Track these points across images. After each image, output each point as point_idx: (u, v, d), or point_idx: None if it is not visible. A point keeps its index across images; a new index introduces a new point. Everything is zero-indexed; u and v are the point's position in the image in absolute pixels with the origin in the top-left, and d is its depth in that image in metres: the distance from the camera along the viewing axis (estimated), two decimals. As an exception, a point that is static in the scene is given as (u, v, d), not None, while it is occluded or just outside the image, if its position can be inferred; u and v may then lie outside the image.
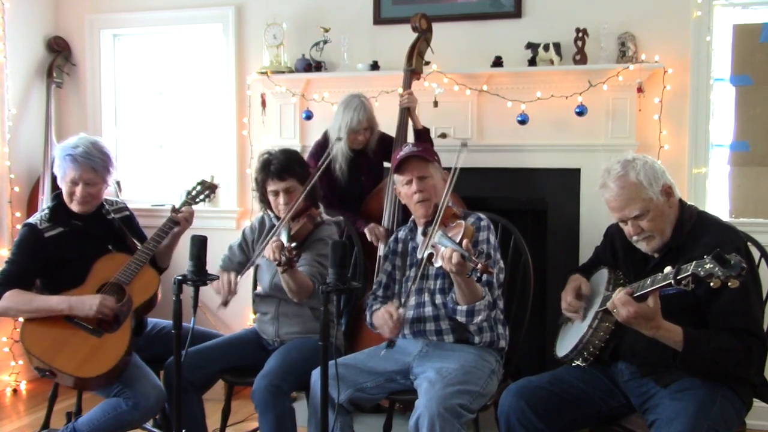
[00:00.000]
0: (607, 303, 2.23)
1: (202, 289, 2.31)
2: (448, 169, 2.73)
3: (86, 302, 2.65)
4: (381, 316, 2.49)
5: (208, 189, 3.06)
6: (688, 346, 2.04)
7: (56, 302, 2.66)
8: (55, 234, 2.79)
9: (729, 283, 1.80)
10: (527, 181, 3.77)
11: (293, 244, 2.54)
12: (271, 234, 2.73)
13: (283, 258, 2.50)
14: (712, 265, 1.81)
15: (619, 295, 2.01)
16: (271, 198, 2.86)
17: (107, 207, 2.98)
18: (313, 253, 2.81)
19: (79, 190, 2.80)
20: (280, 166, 2.81)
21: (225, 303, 2.70)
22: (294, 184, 2.81)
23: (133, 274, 2.77)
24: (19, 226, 3.99)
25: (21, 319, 3.95)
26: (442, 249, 2.26)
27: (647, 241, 2.24)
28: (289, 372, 2.62)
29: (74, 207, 2.83)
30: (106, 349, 2.62)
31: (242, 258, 2.99)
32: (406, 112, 3.46)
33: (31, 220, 2.85)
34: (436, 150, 3.34)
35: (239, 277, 2.71)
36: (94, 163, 2.80)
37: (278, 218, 2.85)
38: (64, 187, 2.83)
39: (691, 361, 2.07)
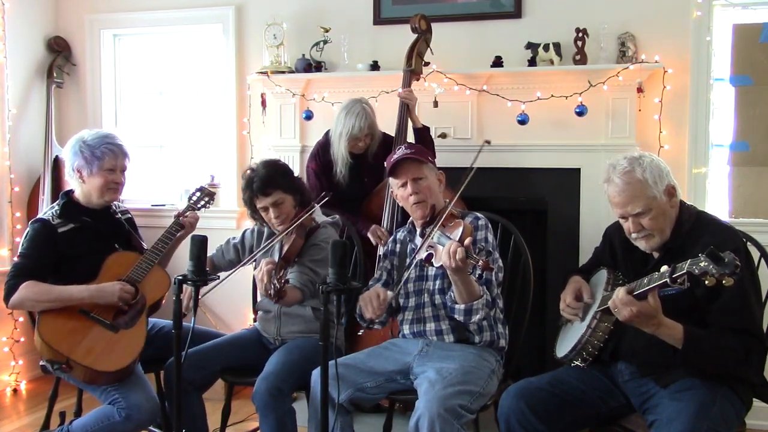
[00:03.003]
0: (607, 302, 2.24)
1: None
2: (446, 170, 2.73)
3: (107, 290, 2.68)
4: (367, 296, 2.45)
5: (207, 196, 3.09)
6: (689, 343, 2.04)
7: (77, 291, 2.67)
8: (67, 230, 2.81)
9: (724, 281, 1.80)
10: (527, 181, 3.77)
11: (282, 275, 2.51)
12: (262, 247, 2.71)
13: (272, 290, 2.47)
14: (706, 263, 1.81)
15: (620, 294, 2.01)
16: (262, 213, 2.85)
17: (114, 207, 3.01)
18: (306, 258, 2.80)
19: (118, 177, 2.87)
20: (262, 183, 2.78)
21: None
22: (281, 196, 2.79)
23: (145, 272, 2.79)
24: (19, 226, 4.02)
25: (21, 318, 3.95)
26: (442, 248, 2.26)
27: (646, 239, 2.24)
28: (289, 373, 2.62)
29: (107, 197, 2.87)
30: (124, 344, 2.64)
31: (234, 257, 3.02)
32: (405, 109, 3.47)
33: (43, 216, 2.86)
34: (437, 150, 3.35)
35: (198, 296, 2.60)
36: (126, 151, 2.91)
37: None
38: (98, 179, 2.83)
39: (691, 358, 2.07)
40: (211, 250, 2.34)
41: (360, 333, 2.31)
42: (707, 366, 2.10)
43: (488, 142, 2.58)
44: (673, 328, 2.04)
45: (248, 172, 2.88)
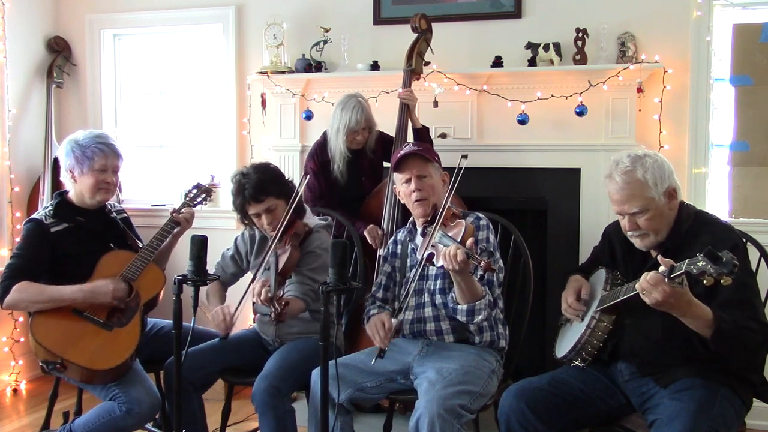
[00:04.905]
0: (606, 302, 2.24)
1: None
2: (449, 169, 2.73)
3: (100, 290, 2.68)
4: (373, 325, 2.48)
5: (204, 192, 3.09)
6: (719, 324, 1.98)
7: (69, 292, 2.67)
8: (60, 230, 2.81)
9: (722, 281, 1.79)
10: (527, 181, 3.76)
11: (281, 297, 2.52)
12: (260, 263, 2.70)
13: (273, 314, 2.49)
14: (704, 263, 1.81)
15: (649, 276, 1.93)
16: (254, 219, 2.82)
17: (109, 207, 3.01)
18: (304, 268, 2.78)
19: (109, 177, 2.86)
20: (254, 189, 2.72)
21: (226, 336, 2.69)
22: (273, 202, 2.75)
23: (139, 271, 2.79)
24: (19, 226, 4.02)
25: (20, 318, 3.95)
26: (443, 248, 2.26)
27: (641, 238, 2.25)
28: (288, 373, 2.62)
29: (99, 197, 2.87)
30: (118, 342, 2.65)
31: (235, 269, 3.01)
32: (406, 110, 3.47)
33: (36, 216, 2.86)
34: (437, 150, 3.33)
35: (236, 312, 2.67)
36: (118, 151, 2.90)
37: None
38: (88, 179, 2.83)
39: (723, 340, 1.99)
40: (210, 250, 2.32)
41: (373, 362, 2.36)
42: (735, 348, 2.03)
43: (465, 156, 2.47)
44: (702, 308, 1.98)
45: (238, 177, 2.80)
